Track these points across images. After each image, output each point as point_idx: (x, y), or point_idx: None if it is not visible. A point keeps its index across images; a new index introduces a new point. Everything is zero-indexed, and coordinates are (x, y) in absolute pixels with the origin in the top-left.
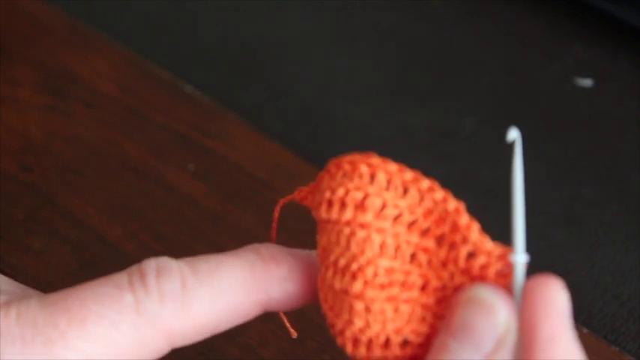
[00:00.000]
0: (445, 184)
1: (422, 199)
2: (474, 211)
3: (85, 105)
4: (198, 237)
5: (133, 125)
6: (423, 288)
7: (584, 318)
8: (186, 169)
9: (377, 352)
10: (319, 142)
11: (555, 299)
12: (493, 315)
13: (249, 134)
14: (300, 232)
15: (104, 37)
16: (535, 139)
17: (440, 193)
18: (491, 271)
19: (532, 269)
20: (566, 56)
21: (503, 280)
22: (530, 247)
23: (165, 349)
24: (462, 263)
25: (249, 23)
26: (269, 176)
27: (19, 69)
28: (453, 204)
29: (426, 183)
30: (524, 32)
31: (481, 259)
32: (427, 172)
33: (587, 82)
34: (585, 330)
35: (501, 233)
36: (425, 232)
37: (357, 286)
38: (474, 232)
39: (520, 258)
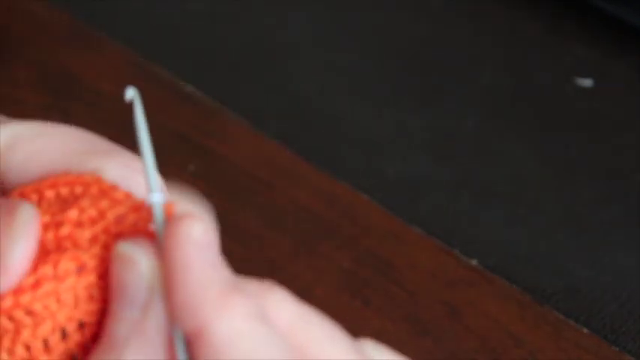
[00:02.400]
0: (445, 184)
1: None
2: (474, 211)
3: (85, 105)
4: None
5: (133, 125)
6: (79, 271)
7: (584, 318)
8: (186, 169)
9: (57, 348)
10: (319, 142)
11: (188, 231)
12: (135, 265)
13: (249, 134)
14: (300, 231)
15: (104, 37)
16: (535, 139)
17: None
18: (130, 222)
19: (532, 269)
20: (566, 56)
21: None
22: (530, 247)
23: None
24: (113, 228)
25: (249, 23)
26: (269, 176)
27: (19, 69)
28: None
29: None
30: (524, 32)
31: (129, 218)
32: (427, 172)
33: (587, 82)
34: (585, 330)
35: (501, 233)
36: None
37: (7, 302)
38: (117, 192)
39: (155, 198)
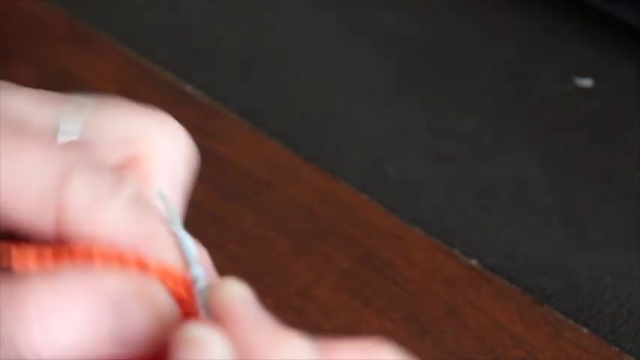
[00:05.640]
0: (445, 184)
1: None
2: (474, 211)
3: None
4: (198, 237)
5: None
6: None
7: (584, 318)
8: None
9: None
10: (319, 142)
11: (233, 297)
12: (208, 349)
13: (249, 134)
14: (300, 231)
15: (104, 37)
16: (535, 139)
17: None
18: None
19: (532, 269)
20: (566, 56)
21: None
22: (530, 247)
23: (48, 226)
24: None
25: (249, 23)
26: (269, 176)
27: (19, 69)
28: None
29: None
30: (524, 32)
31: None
32: (427, 172)
33: (587, 82)
34: (585, 330)
35: (501, 233)
36: None
37: None
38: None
39: (195, 273)
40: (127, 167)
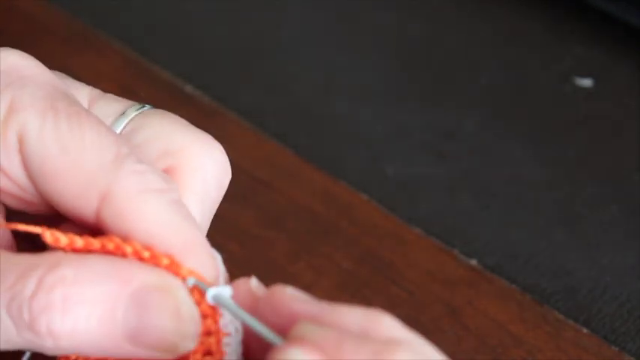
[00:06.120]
0: (445, 184)
1: None
2: (473, 211)
3: None
4: None
5: None
6: None
7: (584, 318)
8: None
9: None
10: (319, 142)
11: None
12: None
13: (249, 134)
14: (300, 231)
15: (104, 37)
16: (535, 139)
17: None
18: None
19: (532, 269)
20: (566, 56)
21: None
22: (530, 247)
23: (91, 208)
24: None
25: (249, 23)
26: (269, 176)
27: None
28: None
29: None
30: (524, 32)
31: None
32: (427, 172)
33: (587, 82)
34: (585, 330)
35: (501, 233)
36: None
37: None
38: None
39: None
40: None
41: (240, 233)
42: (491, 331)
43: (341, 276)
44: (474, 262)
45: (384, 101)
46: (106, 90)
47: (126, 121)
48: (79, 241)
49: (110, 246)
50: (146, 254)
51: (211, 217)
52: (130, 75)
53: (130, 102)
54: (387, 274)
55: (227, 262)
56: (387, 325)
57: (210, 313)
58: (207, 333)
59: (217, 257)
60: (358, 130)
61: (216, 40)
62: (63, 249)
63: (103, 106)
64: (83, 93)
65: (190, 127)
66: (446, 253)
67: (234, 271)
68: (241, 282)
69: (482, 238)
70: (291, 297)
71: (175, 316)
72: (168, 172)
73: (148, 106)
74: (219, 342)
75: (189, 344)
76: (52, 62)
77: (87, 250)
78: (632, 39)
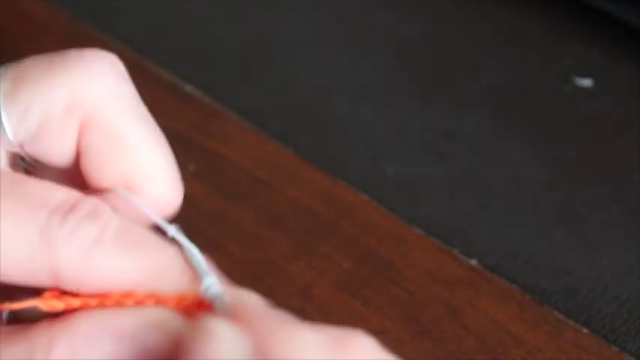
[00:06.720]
0: (445, 184)
1: None
2: (474, 211)
3: None
4: (198, 237)
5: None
6: None
7: (584, 318)
8: (186, 169)
9: None
10: (319, 142)
11: (249, 299)
12: (222, 339)
13: (249, 134)
14: (300, 231)
15: (104, 37)
16: (535, 139)
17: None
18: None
19: (532, 269)
20: (566, 56)
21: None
22: (530, 247)
23: (47, 283)
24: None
25: (249, 23)
26: (269, 176)
27: None
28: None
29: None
30: (524, 32)
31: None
32: (427, 172)
33: (587, 82)
34: (585, 330)
35: (501, 233)
36: None
37: None
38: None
39: (208, 282)
40: (86, 130)
41: (240, 233)
42: (491, 331)
43: (341, 276)
44: (474, 262)
45: (384, 101)
46: None
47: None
48: (76, 302)
49: (89, 300)
50: (124, 298)
51: (139, 104)
52: (130, 75)
53: None
54: (387, 274)
55: (227, 262)
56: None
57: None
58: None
59: (192, 248)
60: (358, 130)
61: (216, 40)
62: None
63: None
64: None
65: (64, 59)
66: (446, 253)
67: (235, 271)
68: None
69: (482, 238)
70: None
71: (172, 340)
72: (83, 127)
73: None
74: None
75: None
76: None
77: (69, 309)
78: (632, 39)
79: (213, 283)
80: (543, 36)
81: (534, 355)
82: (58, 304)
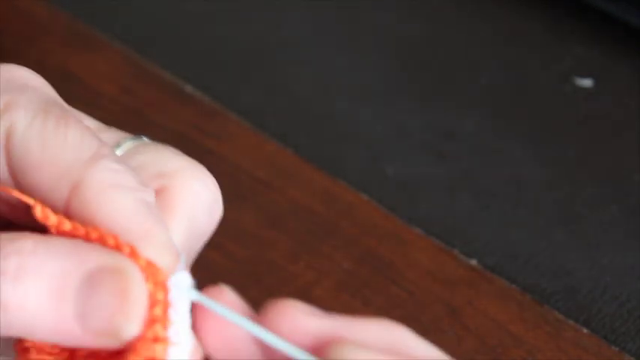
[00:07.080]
0: (445, 184)
1: None
2: (473, 211)
3: (84, 105)
4: None
5: (133, 125)
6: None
7: (584, 318)
8: None
9: None
10: (319, 142)
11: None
12: None
13: (249, 134)
14: (300, 231)
15: (104, 37)
16: (535, 139)
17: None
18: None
19: (532, 269)
20: (566, 56)
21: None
22: (530, 247)
23: None
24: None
25: (249, 23)
26: (269, 176)
27: None
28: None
29: None
30: (524, 32)
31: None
32: (427, 172)
33: (587, 82)
34: (585, 330)
35: (501, 233)
36: None
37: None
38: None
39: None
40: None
41: (240, 233)
42: (491, 331)
43: (341, 276)
44: (474, 262)
45: (384, 101)
46: (106, 90)
47: (119, 151)
48: (67, 225)
49: (94, 235)
50: (111, 241)
51: (199, 244)
52: (130, 75)
53: (127, 134)
54: (387, 274)
55: (227, 262)
56: (411, 342)
57: (162, 302)
58: (153, 319)
59: (182, 257)
60: (358, 130)
61: (216, 40)
62: (49, 227)
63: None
64: (85, 122)
65: (185, 156)
66: (446, 253)
67: (235, 271)
68: (216, 291)
69: (482, 238)
70: (301, 312)
71: (121, 296)
72: (159, 192)
73: (144, 138)
74: (164, 328)
75: (134, 328)
76: (52, 62)
77: (72, 235)
78: (632, 39)
79: (184, 282)
80: (543, 36)
81: (534, 355)
82: (52, 217)
